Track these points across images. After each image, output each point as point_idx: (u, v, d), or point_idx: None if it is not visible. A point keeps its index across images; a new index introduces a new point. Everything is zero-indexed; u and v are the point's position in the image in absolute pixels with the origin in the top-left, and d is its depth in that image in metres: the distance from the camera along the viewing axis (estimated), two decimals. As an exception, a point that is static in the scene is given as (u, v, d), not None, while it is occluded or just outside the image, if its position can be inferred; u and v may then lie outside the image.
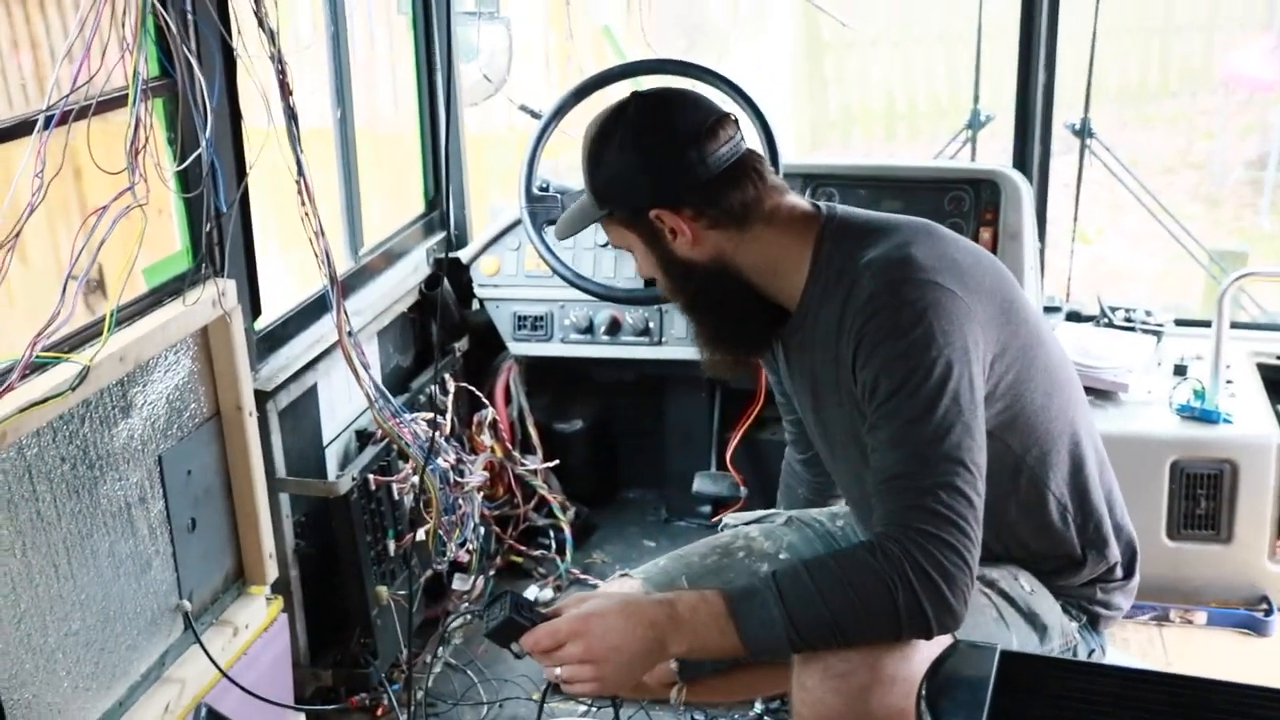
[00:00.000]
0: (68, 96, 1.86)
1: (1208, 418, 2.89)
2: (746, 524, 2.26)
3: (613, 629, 1.72)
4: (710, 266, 1.88)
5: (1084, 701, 1.40)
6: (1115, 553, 2.00)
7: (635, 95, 1.90)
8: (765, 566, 2.10)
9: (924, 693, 1.44)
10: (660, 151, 1.84)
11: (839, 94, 9.61)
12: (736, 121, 1.87)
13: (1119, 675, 1.49)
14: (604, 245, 3.20)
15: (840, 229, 1.88)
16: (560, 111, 2.97)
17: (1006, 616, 1.89)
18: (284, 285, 3.03)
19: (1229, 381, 3.01)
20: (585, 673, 1.73)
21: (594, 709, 2.76)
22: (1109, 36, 9.32)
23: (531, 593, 3.19)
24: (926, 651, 1.65)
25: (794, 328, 1.93)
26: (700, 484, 3.32)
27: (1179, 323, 3.28)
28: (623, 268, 3.19)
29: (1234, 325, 3.16)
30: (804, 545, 2.19)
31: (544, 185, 3.02)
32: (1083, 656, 2.00)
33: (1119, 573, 2.02)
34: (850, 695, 1.69)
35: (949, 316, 1.72)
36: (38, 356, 1.88)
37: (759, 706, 2.73)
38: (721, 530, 2.29)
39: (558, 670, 1.75)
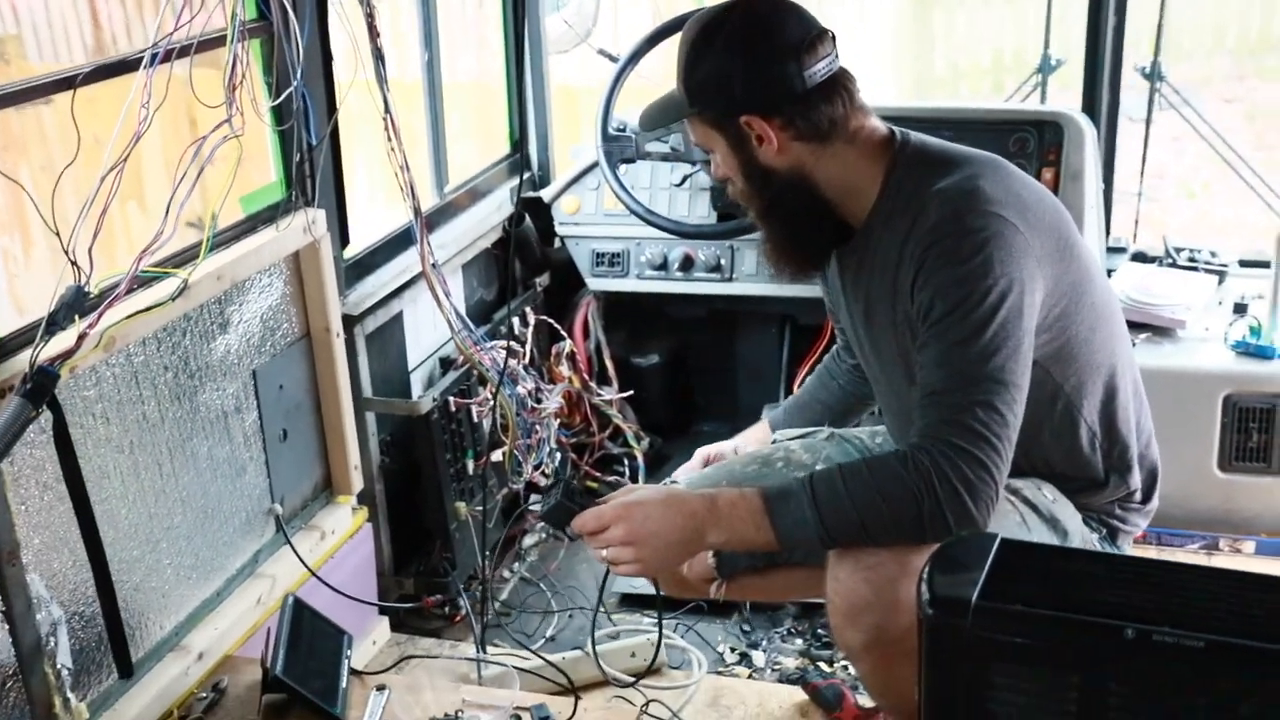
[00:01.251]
0: (170, 35, 2.05)
1: (1262, 353, 2.93)
2: (792, 439, 2.37)
3: (653, 515, 1.87)
4: (788, 176, 1.94)
5: (1069, 580, 1.51)
6: (1137, 479, 2.08)
7: (741, 4, 1.93)
8: (801, 475, 2.21)
9: (926, 571, 1.56)
10: (762, 58, 1.89)
11: (946, 50, 9.52)
12: (834, 38, 1.94)
13: (1105, 560, 1.60)
14: (680, 184, 3.33)
15: (914, 157, 1.95)
16: (636, 55, 3.10)
17: (1029, 521, 1.98)
18: (380, 219, 3.19)
19: (1288, 319, 3.04)
20: (627, 554, 1.87)
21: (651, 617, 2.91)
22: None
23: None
24: None
25: (855, 246, 2.01)
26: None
27: (1243, 264, 3.31)
28: (696, 205, 3.31)
29: (1298, 265, 3.18)
30: (841, 458, 2.27)
31: (620, 126, 3.16)
32: None
33: (1138, 497, 2.09)
34: (879, 585, 1.81)
35: (1008, 248, 1.80)
36: (143, 271, 2.08)
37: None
38: (773, 442, 2.41)
39: (604, 551, 1.90)
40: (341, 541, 2.71)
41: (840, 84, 1.93)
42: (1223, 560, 2.96)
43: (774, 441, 2.41)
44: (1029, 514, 1.99)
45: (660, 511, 1.87)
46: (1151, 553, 2.98)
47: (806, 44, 1.89)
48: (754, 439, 2.47)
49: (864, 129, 1.96)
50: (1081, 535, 2.04)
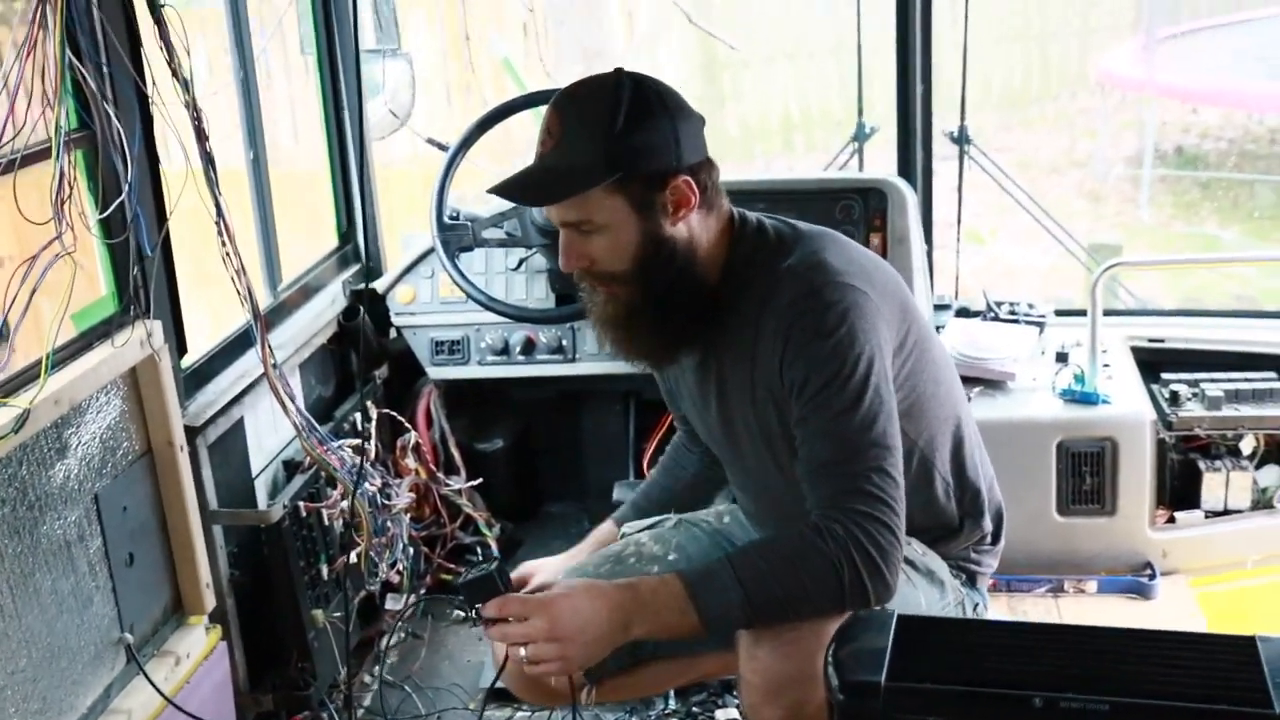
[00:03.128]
0: (-6, 152, 1.95)
1: (1088, 399, 3.09)
2: (639, 531, 2.35)
3: (580, 610, 1.81)
4: (684, 247, 1.93)
5: (972, 653, 1.55)
6: (988, 521, 2.17)
7: (628, 73, 1.91)
8: (655, 568, 2.20)
9: (830, 656, 1.58)
10: (691, 120, 1.90)
11: (737, 111, 9.80)
12: None
13: (1003, 628, 1.65)
14: (516, 268, 3.32)
15: (754, 234, 1.99)
16: (466, 143, 3.09)
17: (912, 578, 2.04)
18: (205, 323, 3.09)
19: (1106, 365, 3.22)
20: (550, 651, 1.81)
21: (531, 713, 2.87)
22: (989, 45, 9.67)
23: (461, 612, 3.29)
24: None
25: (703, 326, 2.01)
26: (620, 493, 3.41)
27: (1059, 313, 3.50)
28: (534, 289, 3.31)
29: (1109, 312, 3.37)
30: (691, 544, 2.28)
31: (454, 214, 3.13)
32: (969, 610, 2.15)
33: (989, 538, 2.19)
34: (799, 660, 1.81)
35: (865, 315, 1.87)
36: (-23, 403, 1.96)
37: (673, 703, 2.86)
38: (621, 538, 2.38)
39: (523, 650, 1.82)
40: (196, 664, 2.58)
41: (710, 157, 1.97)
42: (1069, 601, 3.09)
43: (622, 536, 2.39)
44: (909, 571, 2.05)
45: (586, 605, 1.83)
46: (1002, 599, 3.09)
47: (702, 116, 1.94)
48: (600, 540, 2.40)
49: (723, 203, 2.00)
50: (952, 585, 2.11)
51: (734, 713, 2.82)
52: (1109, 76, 9.57)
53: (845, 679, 1.55)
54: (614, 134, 1.85)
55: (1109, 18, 10.22)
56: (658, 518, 2.39)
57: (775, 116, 9.83)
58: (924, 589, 2.06)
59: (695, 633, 1.86)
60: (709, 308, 1.99)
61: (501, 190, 1.94)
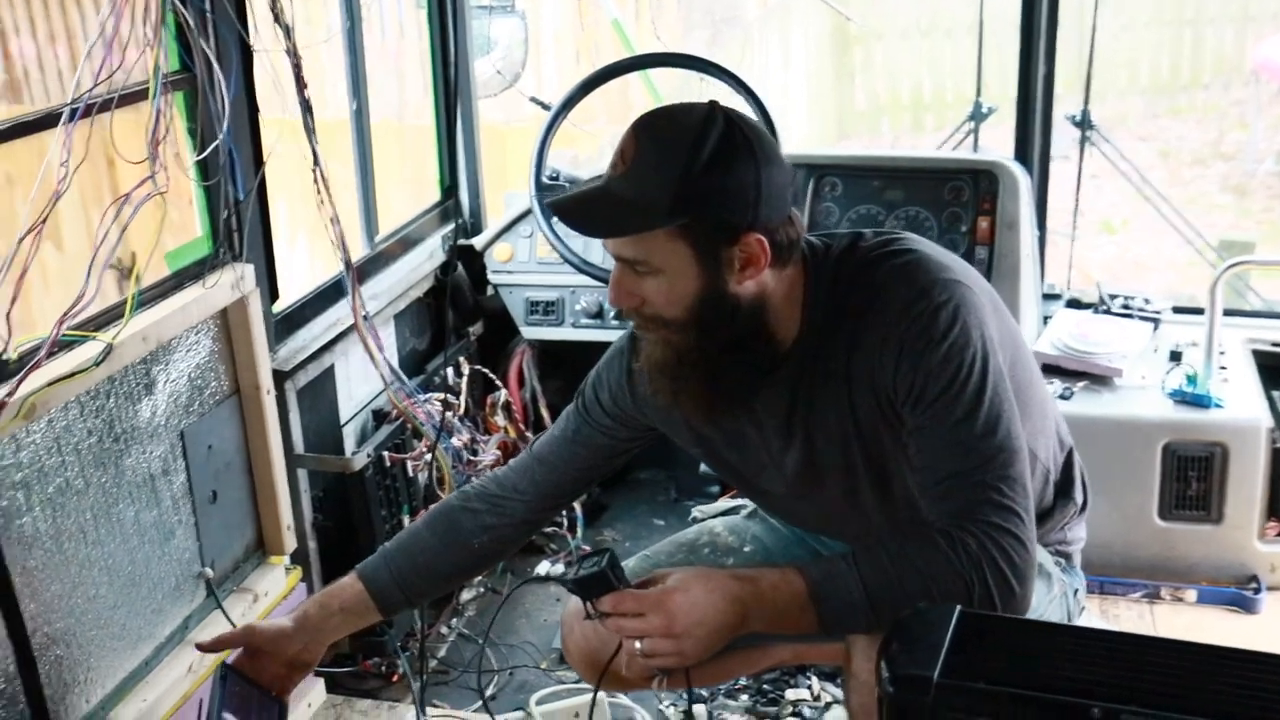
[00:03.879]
0: (91, 90, 1.98)
1: (1199, 402, 2.95)
2: (712, 517, 2.30)
3: (697, 604, 1.72)
4: (750, 304, 1.78)
5: (1033, 656, 1.48)
6: (1079, 493, 2.07)
7: (722, 109, 1.74)
8: (730, 560, 2.15)
9: (885, 647, 1.52)
10: (777, 174, 1.73)
11: (866, 85, 9.63)
12: None
13: (1070, 632, 1.57)
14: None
15: (825, 256, 1.84)
16: (569, 103, 3.07)
17: None
18: (310, 272, 3.13)
19: (1223, 367, 3.07)
20: (667, 646, 1.73)
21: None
22: (1139, 29, 9.33)
23: (543, 568, 3.29)
24: None
25: (782, 376, 1.85)
26: (695, 514, 3.40)
27: (1177, 310, 3.34)
28: (632, 254, 3.28)
29: (1231, 313, 3.23)
30: (768, 536, 2.22)
31: (554, 174, 3.12)
32: (1070, 595, 2.06)
33: (1078, 509, 2.09)
34: None
35: (974, 310, 1.76)
36: (65, 335, 2.00)
37: (743, 679, 2.82)
38: (691, 522, 2.33)
39: (638, 644, 1.74)
40: (275, 603, 2.62)
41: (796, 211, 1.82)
42: (1165, 609, 2.97)
43: (692, 520, 2.33)
44: None
45: (704, 599, 1.72)
46: (1095, 601, 2.99)
47: (792, 168, 1.79)
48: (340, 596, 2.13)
49: (800, 247, 1.83)
50: (1057, 576, 2.03)
51: (804, 693, 2.78)
52: (1266, 67, 9.16)
53: (897, 672, 1.49)
54: (690, 175, 1.68)
55: (1269, 5, 9.78)
56: (730, 503, 2.32)
57: (906, 93, 9.63)
58: (1036, 588, 1.98)
59: (812, 631, 1.78)
60: (776, 363, 1.84)
61: (559, 209, 1.78)
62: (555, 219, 3.03)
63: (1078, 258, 3.83)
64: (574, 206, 1.78)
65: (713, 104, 1.74)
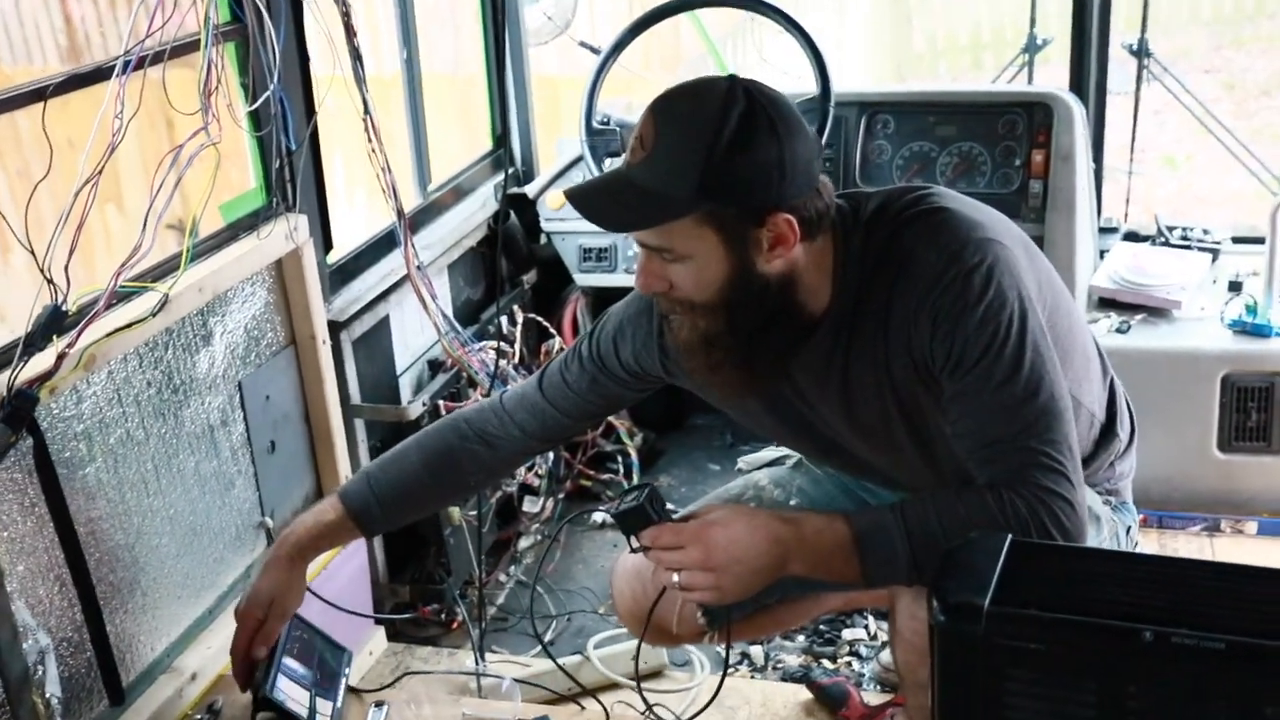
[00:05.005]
0: (143, 42, 2.00)
1: (1259, 332, 2.90)
2: (758, 468, 2.28)
3: (737, 540, 1.70)
4: (780, 281, 1.73)
5: (1084, 582, 1.48)
6: (1124, 429, 2.04)
7: (742, 83, 1.67)
8: (889, 506, 2.13)
9: (936, 577, 1.52)
10: (800, 149, 1.66)
11: (924, 26, 9.47)
12: None
13: (1119, 559, 1.56)
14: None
15: (853, 218, 1.79)
16: (619, 46, 3.05)
17: None
18: (365, 223, 3.14)
19: (1284, 296, 3.02)
20: (704, 580, 1.71)
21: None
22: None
23: (599, 515, 3.31)
24: None
25: (816, 343, 1.80)
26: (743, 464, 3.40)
27: (1236, 240, 3.28)
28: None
29: (1293, 241, 3.15)
30: (813, 489, 2.19)
31: (604, 119, 3.11)
32: (1123, 534, 2.04)
33: (1124, 444, 2.05)
34: None
35: (1008, 268, 1.71)
36: (122, 286, 2.03)
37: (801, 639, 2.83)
38: (737, 474, 2.32)
39: (675, 576, 1.72)
40: (335, 552, 2.65)
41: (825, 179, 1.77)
42: (1225, 541, 2.94)
43: (738, 471, 2.32)
44: None
45: (744, 536, 1.71)
46: (1153, 535, 2.96)
47: (818, 139, 1.77)
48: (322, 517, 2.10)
49: (830, 216, 1.77)
50: (1106, 516, 2.00)
51: (860, 633, 2.78)
52: (1333, -7, 8.92)
53: (947, 600, 1.48)
54: (712, 159, 1.62)
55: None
56: (775, 453, 2.30)
57: (965, 33, 9.46)
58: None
59: (854, 581, 1.76)
60: (809, 331, 1.79)
61: (576, 199, 1.71)
62: (606, 161, 3.04)
63: (1140, 194, 3.76)
64: (594, 196, 1.73)
65: (732, 79, 1.68)
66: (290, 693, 2.08)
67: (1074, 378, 1.90)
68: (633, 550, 1.78)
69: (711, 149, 1.62)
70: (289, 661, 2.11)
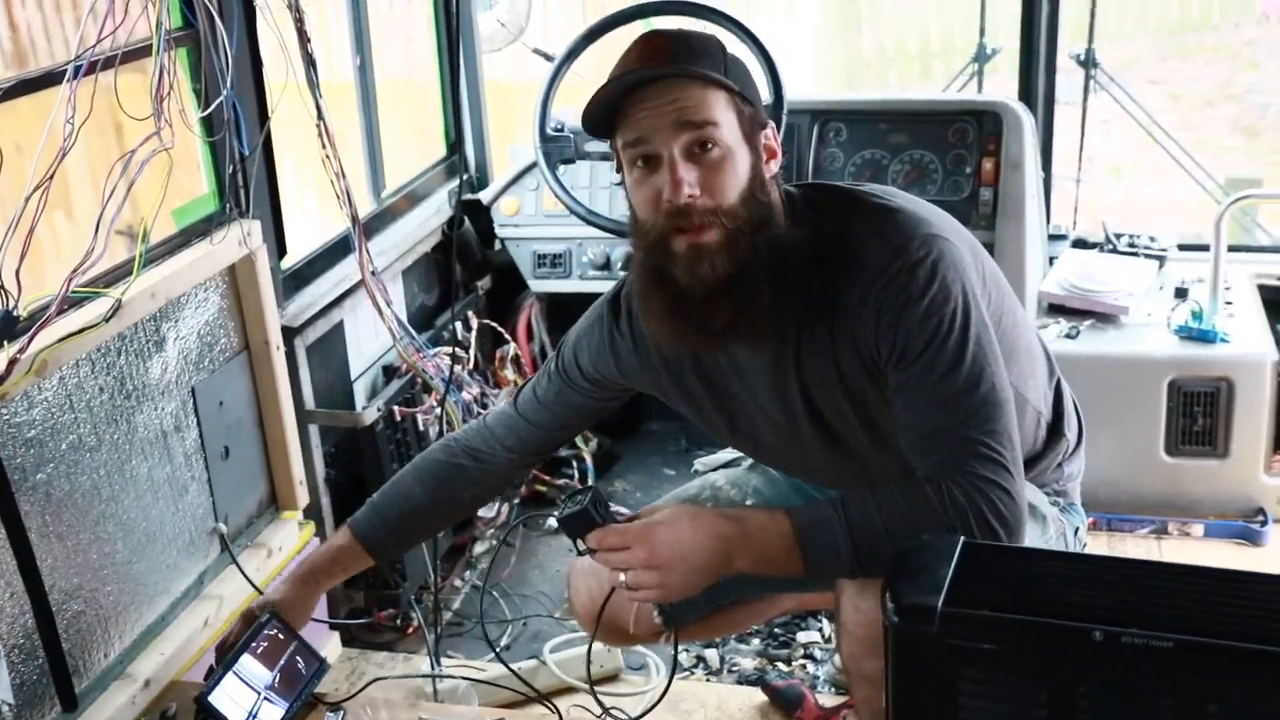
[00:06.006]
0: (94, 47, 1.98)
1: (1205, 337, 2.96)
2: (714, 470, 2.31)
3: (681, 539, 1.73)
4: (776, 208, 1.77)
5: (1035, 583, 1.50)
6: (1071, 429, 2.07)
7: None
8: (830, 501, 2.16)
9: (889, 579, 1.54)
10: (769, 62, 1.85)
11: (874, 35, 9.55)
12: None
13: (1070, 559, 1.59)
14: (620, 183, 3.28)
15: (807, 210, 1.81)
16: (572, 54, 3.05)
17: None
18: (318, 229, 3.13)
19: (1228, 303, 3.07)
20: (650, 579, 1.74)
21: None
22: (1147, -31, 9.22)
23: (554, 521, 3.31)
24: None
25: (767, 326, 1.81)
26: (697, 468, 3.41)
27: (1182, 247, 3.34)
28: (637, 205, 3.28)
29: (1237, 248, 3.24)
30: (769, 488, 2.21)
31: (558, 126, 3.11)
32: (1070, 535, 2.07)
33: (1072, 445, 2.09)
34: None
35: (953, 263, 1.74)
36: (74, 292, 2.01)
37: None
38: (693, 475, 2.34)
39: (622, 576, 1.75)
40: (289, 558, 2.65)
41: None
42: (1172, 543, 2.99)
43: (694, 472, 2.34)
44: None
45: (688, 534, 1.74)
46: (1102, 538, 3.01)
47: None
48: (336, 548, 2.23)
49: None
50: (1052, 516, 2.04)
51: (815, 635, 2.81)
52: (1277, 6, 9.08)
53: (901, 601, 1.50)
54: (726, 57, 1.75)
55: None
56: (731, 454, 2.32)
57: (914, 43, 9.54)
58: (1028, 531, 1.98)
59: (798, 575, 1.78)
60: (788, 288, 1.78)
61: (612, 87, 1.70)
62: (560, 168, 3.05)
63: (1087, 202, 3.81)
64: (629, 76, 1.70)
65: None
66: (233, 696, 2.06)
67: (1019, 375, 1.94)
68: (579, 554, 1.81)
69: (723, 49, 1.75)
70: (248, 660, 2.09)
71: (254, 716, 2.06)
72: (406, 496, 2.18)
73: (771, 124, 1.80)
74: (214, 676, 2.06)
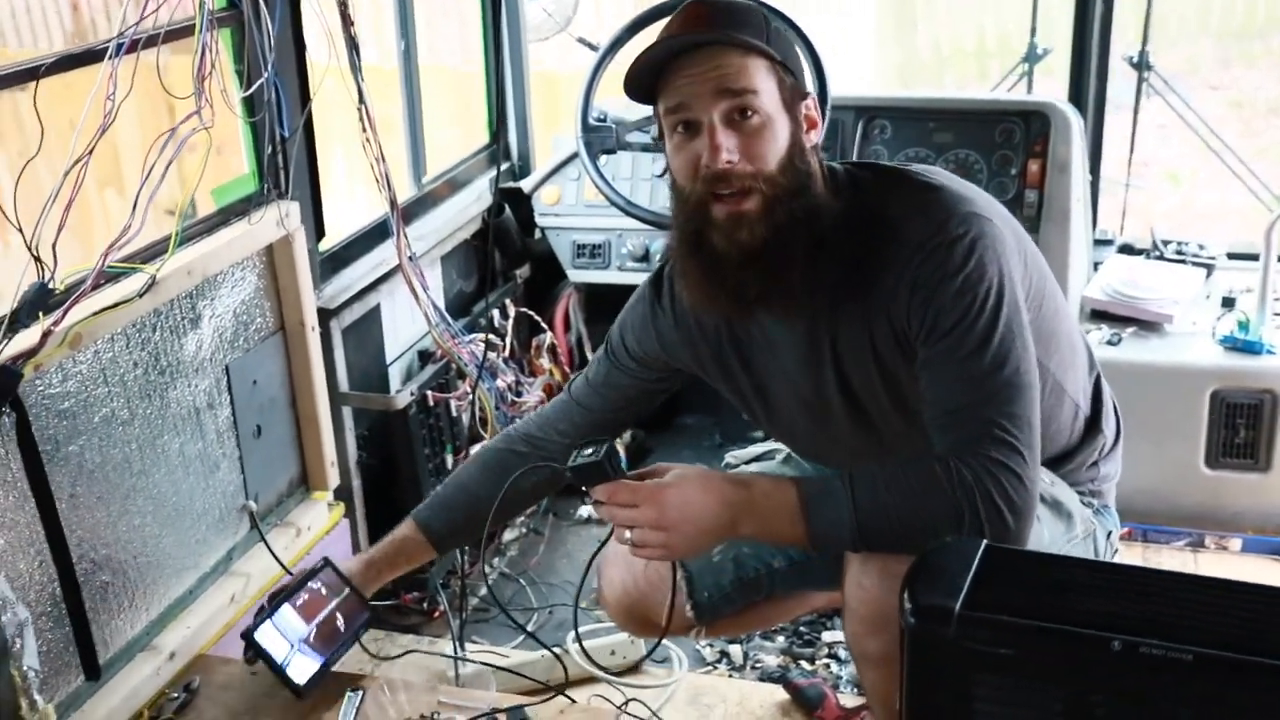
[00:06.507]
0: (136, 25, 2.00)
1: (1250, 349, 2.90)
2: (746, 462, 2.30)
3: (689, 502, 1.75)
4: (814, 177, 1.78)
5: (1056, 589, 1.48)
6: (1109, 427, 2.06)
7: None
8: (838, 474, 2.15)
9: (908, 579, 1.52)
10: (814, 68, 1.86)
11: (930, 33, 9.46)
12: None
13: (1092, 567, 1.56)
14: (661, 175, 3.26)
15: (850, 186, 1.82)
16: (616, 44, 3.04)
17: (1038, 512, 1.90)
18: (366, 213, 3.14)
19: (1277, 314, 3.01)
20: (655, 538, 1.75)
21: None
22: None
23: (585, 509, 3.31)
24: None
25: (806, 299, 1.82)
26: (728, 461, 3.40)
27: (1231, 256, 3.28)
28: (678, 197, 3.27)
29: (1286, 258, 3.16)
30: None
31: (601, 115, 3.10)
32: (1102, 539, 2.04)
33: (1109, 443, 2.07)
34: None
35: (992, 243, 1.74)
36: (110, 267, 2.03)
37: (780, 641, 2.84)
38: (725, 469, 2.31)
39: (628, 533, 1.77)
40: (318, 538, 2.67)
41: None
42: (1209, 557, 2.94)
43: (726, 466, 2.34)
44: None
45: (696, 497, 1.76)
46: (1137, 549, 2.97)
47: None
48: (400, 540, 2.23)
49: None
50: (1080, 514, 2.01)
51: (839, 635, 2.78)
52: (1347, 13, 8.91)
53: (919, 603, 1.49)
54: (770, 25, 1.76)
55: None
56: (763, 448, 2.32)
57: (971, 41, 9.45)
58: (1049, 523, 1.95)
59: (800, 545, 1.80)
60: (824, 260, 1.79)
61: (653, 52, 1.73)
62: (601, 158, 3.04)
63: (1142, 208, 3.75)
64: (672, 40, 1.73)
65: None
66: (273, 641, 2.07)
67: (1059, 364, 1.92)
68: (585, 504, 1.83)
69: (766, 19, 1.76)
70: (288, 612, 2.11)
71: (286, 665, 2.07)
72: (466, 486, 2.18)
73: (813, 95, 1.80)
74: (261, 614, 2.08)
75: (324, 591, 2.16)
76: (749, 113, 1.72)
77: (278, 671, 2.06)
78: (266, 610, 2.09)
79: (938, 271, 1.72)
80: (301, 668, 2.09)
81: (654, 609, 2.11)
